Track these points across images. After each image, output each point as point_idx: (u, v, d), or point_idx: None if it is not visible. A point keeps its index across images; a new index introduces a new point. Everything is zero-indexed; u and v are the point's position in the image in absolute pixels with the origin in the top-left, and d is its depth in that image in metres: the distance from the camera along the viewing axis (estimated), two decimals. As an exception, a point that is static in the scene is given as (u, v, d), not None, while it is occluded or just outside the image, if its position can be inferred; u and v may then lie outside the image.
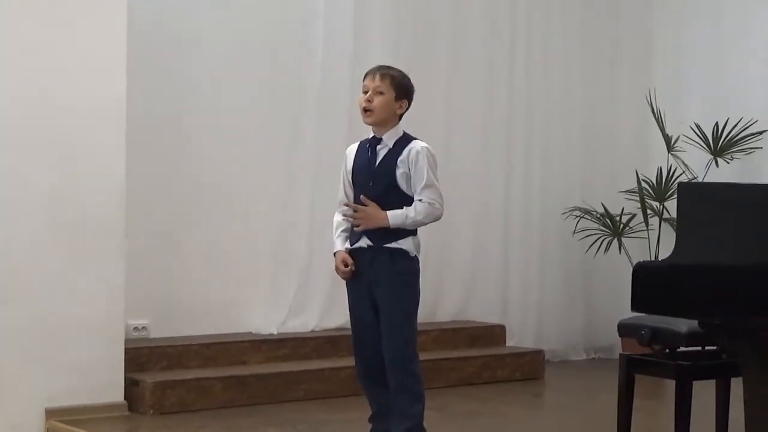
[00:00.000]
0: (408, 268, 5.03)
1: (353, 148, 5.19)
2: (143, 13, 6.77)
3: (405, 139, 5.04)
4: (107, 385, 6.24)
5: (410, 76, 5.13)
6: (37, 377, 6.04)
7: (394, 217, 4.96)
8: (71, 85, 6.12)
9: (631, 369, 5.15)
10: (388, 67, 5.13)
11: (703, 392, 5.24)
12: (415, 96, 5.13)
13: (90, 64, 6.17)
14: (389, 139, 5.04)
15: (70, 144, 6.12)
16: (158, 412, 6.28)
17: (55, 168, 6.09)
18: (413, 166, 4.97)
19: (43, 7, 6.08)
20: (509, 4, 8.45)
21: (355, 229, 5.03)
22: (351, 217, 5.04)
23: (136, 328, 6.87)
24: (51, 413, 6.07)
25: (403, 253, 5.00)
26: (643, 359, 5.18)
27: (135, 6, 6.55)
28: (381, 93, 5.00)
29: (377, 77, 5.03)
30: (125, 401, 6.31)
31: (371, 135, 5.10)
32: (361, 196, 5.03)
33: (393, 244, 4.98)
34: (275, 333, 7.27)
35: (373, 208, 4.98)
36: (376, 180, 5.02)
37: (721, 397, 5.33)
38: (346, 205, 5.10)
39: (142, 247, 6.75)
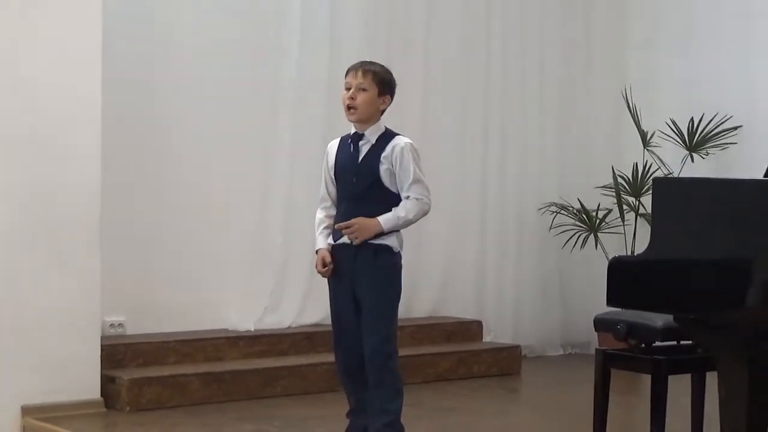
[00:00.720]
0: (392, 264, 5.03)
1: (334, 144, 5.16)
2: (118, 9, 6.73)
3: (388, 135, 5.04)
4: (84, 382, 6.22)
5: (386, 71, 5.13)
6: (13, 375, 6.02)
7: (387, 221, 4.95)
8: (46, 82, 6.09)
9: (607, 364, 5.17)
10: (371, 63, 5.11)
11: (679, 386, 5.25)
12: (392, 91, 5.13)
13: (65, 62, 6.14)
14: (371, 135, 5.02)
15: (46, 141, 6.09)
16: (135, 408, 6.26)
17: (30, 166, 6.06)
18: (398, 164, 4.96)
19: (16, 5, 6.05)
20: (485, 2, 8.46)
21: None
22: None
23: (112, 325, 6.85)
24: (27, 411, 6.05)
25: (387, 249, 5.00)
26: (619, 354, 5.20)
27: (110, 3, 6.51)
28: (364, 90, 4.98)
29: (360, 74, 5.01)
30: (102, 398, 6.30)
31: (353, 131, 5.08)
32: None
33: (377, 241, 4.97)
34: (252, 329, 7.25)
35: (363, 220, 4.95)
36: (360, 176, 5.01)
37: (696, 391, 5.36)
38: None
39: (118, 244, 6.72)
